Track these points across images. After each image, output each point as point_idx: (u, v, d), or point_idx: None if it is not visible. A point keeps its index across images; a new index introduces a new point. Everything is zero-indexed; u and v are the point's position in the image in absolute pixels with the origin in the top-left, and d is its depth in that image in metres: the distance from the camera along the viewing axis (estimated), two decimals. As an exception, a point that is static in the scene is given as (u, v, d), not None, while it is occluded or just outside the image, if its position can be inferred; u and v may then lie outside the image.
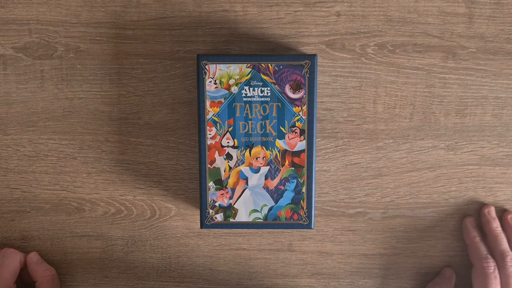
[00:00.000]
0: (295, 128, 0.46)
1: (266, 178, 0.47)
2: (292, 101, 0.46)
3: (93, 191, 0.52)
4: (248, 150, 0.46)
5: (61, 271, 0.53)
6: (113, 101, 0.51)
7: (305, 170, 0.47)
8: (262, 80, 0.45)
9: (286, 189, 0.47)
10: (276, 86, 0.46)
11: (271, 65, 0.45)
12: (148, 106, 0.51)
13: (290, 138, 0.46)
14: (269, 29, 0.50)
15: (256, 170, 0.47)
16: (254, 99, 0.46)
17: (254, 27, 0.50)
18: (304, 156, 0.46)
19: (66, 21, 0.50)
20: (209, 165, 0.47)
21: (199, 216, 0.51)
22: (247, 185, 0.47)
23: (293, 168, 0.47)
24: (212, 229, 0.53)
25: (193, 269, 0.54)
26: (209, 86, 0.46)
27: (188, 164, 0.52)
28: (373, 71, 0.50)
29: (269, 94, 0.46)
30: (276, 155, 0.46)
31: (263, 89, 0.46)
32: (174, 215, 0.53)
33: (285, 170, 0.47)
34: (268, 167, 0.47)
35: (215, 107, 0.46)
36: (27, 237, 0.53)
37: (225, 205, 0.47)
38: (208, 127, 0.46)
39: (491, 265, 0.49)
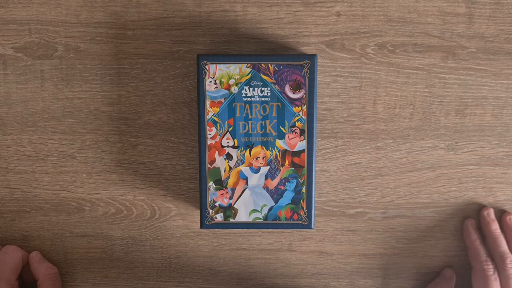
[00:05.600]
0: (295, 128, 0.46)
1: (266, 178, 0.47)
2: (292, 101, 0.46)
3: (93, 191, 0.52)
4: (248, 150, 0.46)
5: (61, 271, 0.53)
6: (113, 101, 0.51)
7: (305, 170, 0.47)
8: (262, 80, 0.45)
9: (286, 189, 0.47)
10: (276, 86, 0.46)
11: (271, 65, 0.45)
12: (148, 106, 0.51)
13: (290, 138, 0.46)
14: (269, 29, 0.50)
15: (256, 170, 0.47)
16: (254, 99, 0.46)
17: (254, 27, 0.50)
18: (304, 156, 0.46)
19: (66, 21, 0.50)
20: (209, 165, 0.47)
21: (199, 216, 0.51)
22: (247, 185, 0.47)
23: (293, 168, 0.47)
24: (212, 229, 0.53)
25: (193, 269, 0.54)
26: (209, 86, 0.46)
27: (188, 164, 0.52)
28: (373, 71, 0.50)
29: (269, 94, 0.46)
30: (276, 155, 0.46)
31: (263, 89, 0.46)
32: (174, 215, 0.53)
33: (285, 170, 0.47)
34: (268, 167, 0.47)
35: (215, 107, 0.46)
36: (27, 237, 0.53)
37: (225, 205, 0.47)
38: (208, 127, 0.46)
39: (491, 268, 0.49)
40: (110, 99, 0.51)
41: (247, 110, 0.46)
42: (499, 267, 0.48)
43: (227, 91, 0.46)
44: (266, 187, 0.47)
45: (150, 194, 0.53)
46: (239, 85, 0.46)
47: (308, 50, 0.50)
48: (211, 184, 0.47)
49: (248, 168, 0.47)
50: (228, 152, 0.46)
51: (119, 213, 0.53)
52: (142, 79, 0.51)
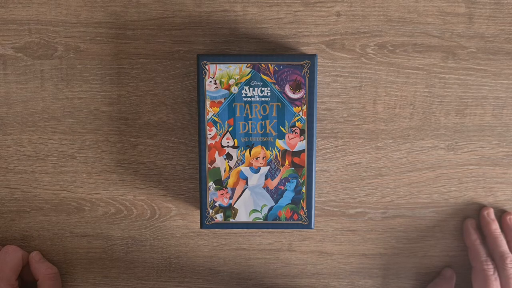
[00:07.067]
0: (295, 128, 0.46)
1: (266, 178, 0.47)
2: (292, 101, 0.46)
3: (93, 191, 0.52)
4: (248, 150, 0.46)
5: (61, 271, 0.53)
6: (113, 101, 0.51)
7: (305, 170, 0.47)
8: (262, 80, 0.45)
9: (286, 189, 0.47)
10: (276, 86, 0.46)
11: (271, 65, 0.45)
12: (148, 106, 0.51)
13: (290, 138, 0.46)
14: (269, 29, 0.50)
15: (256, 170, 0.47)
16: (254, 99, 0.46)
17: (254, 27, 0.50)
18: (304, 156, 0.46)
19: (66, 21, 0.50)
20: (209, 165, 0.47)
21: (199, 216, 0.51)
22: (247, 185, 0.47)
23: (293, 168, 0.47)
24: (212, 229, 0.53)
25: (193, 269, 0.54)
26: (209, 86, 0.46)
27: (188, 164, 0.52)
28: (373, 71, 0.50)
29: (269, 94, 0.46)
30: (276, 155, 0.46)
31: (263, 89, 0.46)
32: (174, 215, 0.53)
33: (285, 170, 0.47)
34: (268, 167, 0.47)
35: (215, 107, 0.46)
36: (27, 237, 0.53)
37: (225, 205, 0.47)
38: (208, 127, 0.46)
39: (491, 268, 0.49)
40: (110, 99, 0.51)
41: (247, 110, 0.46)
42: (499, 267, 0.48)
43: (227, 91, 0.46)
44: (266, 187, 0.47)
45: (150, 194, 0.53)
46: (239, 85, 0.46)
47: (308, 50, 0.50)
48: (211, 184, 0.47)
49: (248, 168, 0.47)
50: (228, 152, 0.46)
51: (119, 213, 0.53)
52: (142, 79, 0.51)
